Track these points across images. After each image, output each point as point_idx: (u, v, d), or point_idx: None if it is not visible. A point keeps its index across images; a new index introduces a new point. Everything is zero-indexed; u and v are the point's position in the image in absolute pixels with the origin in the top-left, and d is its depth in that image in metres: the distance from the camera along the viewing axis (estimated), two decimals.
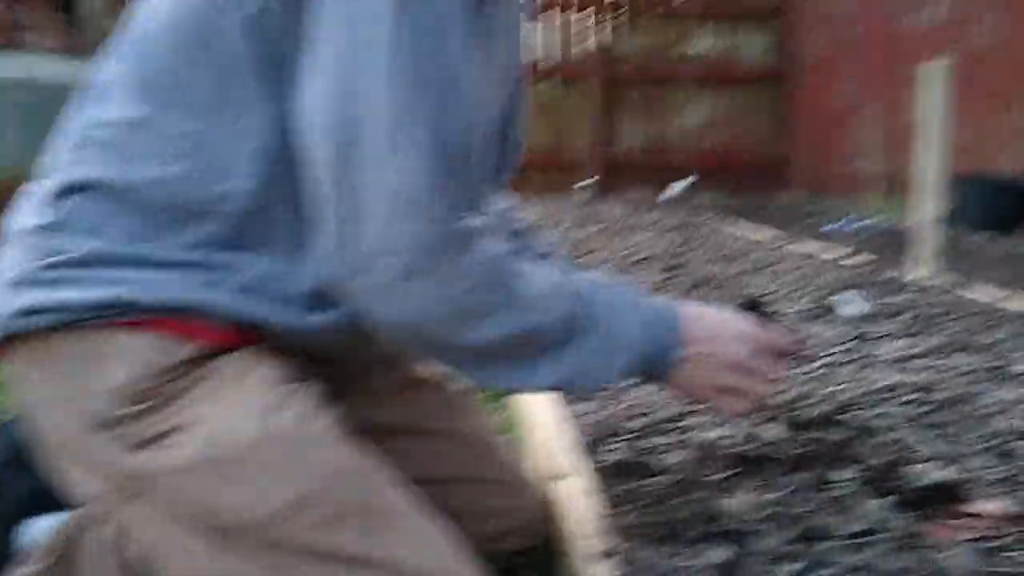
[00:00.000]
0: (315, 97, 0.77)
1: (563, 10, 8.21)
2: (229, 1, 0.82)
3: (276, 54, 0.81)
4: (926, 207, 3.43)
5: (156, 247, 0.85)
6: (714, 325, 0.97)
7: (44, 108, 2.17)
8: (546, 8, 8.16)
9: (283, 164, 0.83)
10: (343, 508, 0.86)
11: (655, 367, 0.94)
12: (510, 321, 0.83)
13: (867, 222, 6.04)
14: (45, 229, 0.86)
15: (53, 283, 0.83)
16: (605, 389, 1.02)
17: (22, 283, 0.85)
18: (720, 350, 0.96)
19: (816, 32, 8.05)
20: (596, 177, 7.45)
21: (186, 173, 0.84)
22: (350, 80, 0.75)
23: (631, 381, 1.01)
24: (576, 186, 7.13)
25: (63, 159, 0.89)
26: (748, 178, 8.41)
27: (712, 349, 0.95)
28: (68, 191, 0.86)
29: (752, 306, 1.10)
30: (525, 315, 0.84)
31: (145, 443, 0.85)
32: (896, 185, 6.90)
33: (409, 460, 1.10)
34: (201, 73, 0.83)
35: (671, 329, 0.94)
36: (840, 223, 5.89)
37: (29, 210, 0.89)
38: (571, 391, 1.05)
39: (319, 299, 0.87)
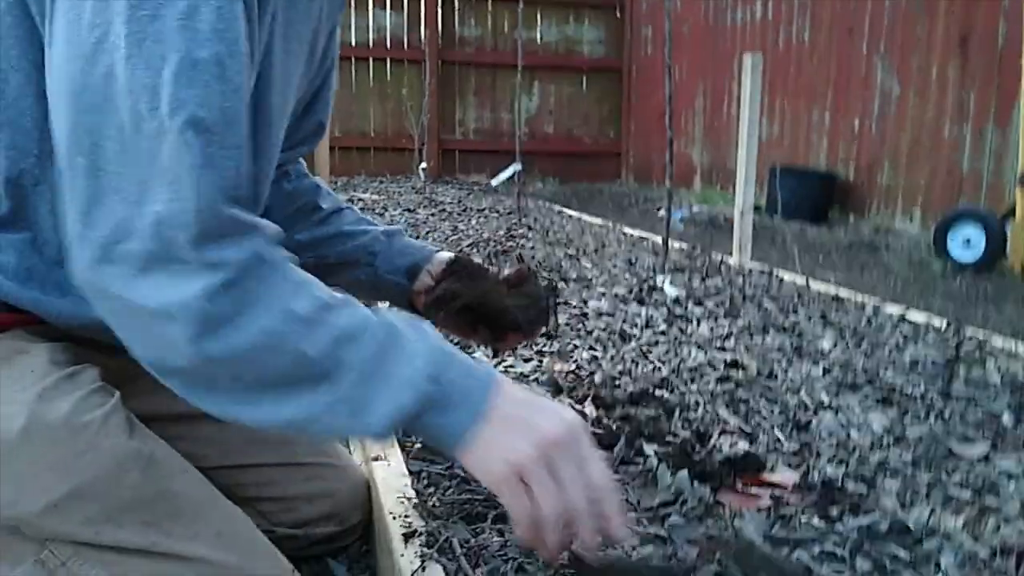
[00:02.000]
0: (60, 72, 0.69)
1: None
2: None
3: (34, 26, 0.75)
4: (744, 197, 3.60)
5: None
6: (526, 397, 0.79)
7: None
8: None
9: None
10: (124, 500, 0.81)
11: (440, 418, 0.75)
12: (263, 330, 0.69)
13: (693, 209, 6.31)
14: None
15: None
16: (369, 435, 0.74)
17: None
18: (525, 420, 0.76)
19: (648, 26, 8.31)
20: (428, 164, 7.44)
21: None
22: (89, 55, 0.67)
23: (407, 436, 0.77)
24: (419, 167, 7.08)
25: None
26: (582, 166, 8.62)
27: (515, 415, 0.76)
28: None
29: (528, 274, 1.11)
30: (285, 328, 0.70)
31: None
32: (718, 175, 7.25)
33: (212, 446, 1.05)
34: None
35: (474, 384, 0.76)
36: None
37: None
38: (328, 431, 0.75)
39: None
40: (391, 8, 8.15)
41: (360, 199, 5.80)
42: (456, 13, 8.31)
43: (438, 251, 1.24)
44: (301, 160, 1.27)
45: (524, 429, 0.75)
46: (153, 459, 0.85)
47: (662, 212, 5.76)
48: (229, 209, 0.69)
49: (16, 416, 0.78)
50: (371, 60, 8.13)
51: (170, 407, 0.99)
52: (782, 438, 1.46)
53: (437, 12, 8.21)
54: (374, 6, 8.12)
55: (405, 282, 1.20)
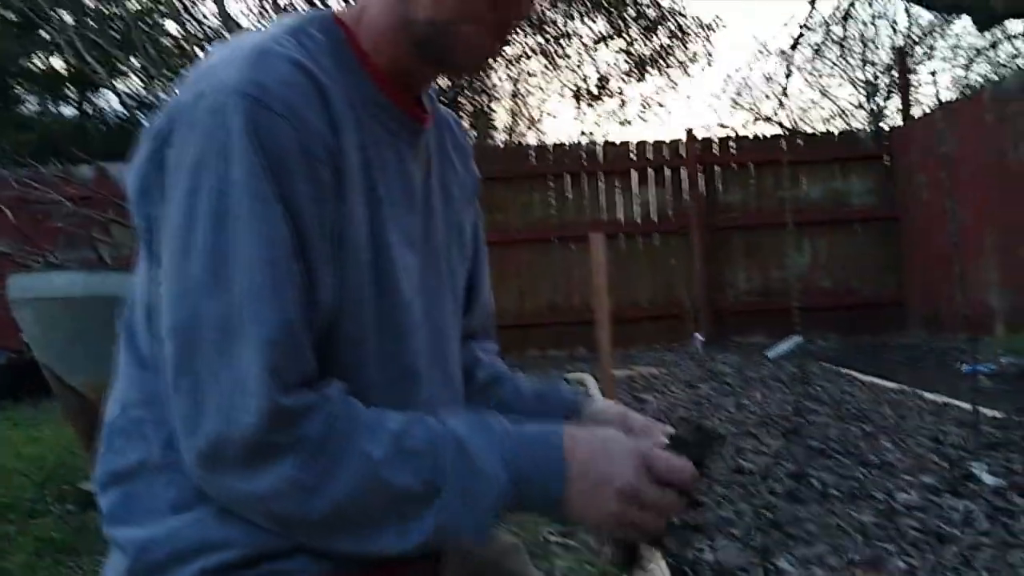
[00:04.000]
0: (164, 303, 0.83)
1: (661, 167, 8.44)
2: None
3: None
4: None
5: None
6: (599, 450, 0.87)
7: None
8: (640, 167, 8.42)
9: None
10: None
11: (535, 500, 0.86)
12: (353, 480, 0.82)
13: (1001, 360, 5.77)
14: None
15: None
16: (483, 534, 0.86)
17: None
18: (607, 478, 0.85)
19: (923, 171, 8.00)
20: (702, 334, 7.42)
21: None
22: (180, 289, 0.81)
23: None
24: (694, 335, 7.11)
25: None
26: (863, 319, 8.25)
27: (598, 477, 0.86)
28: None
29: (699, 433, 0.99)
30: (372, 471, 0.82)
31: None
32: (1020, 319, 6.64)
33: None
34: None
35: (547, 458, 0.86)
36: (972, 365, 5.67)
37: None
38: (448, 544, 0.90)
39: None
40: (656, 184, 8.47)
41: (640, 372, 5.88)
42: (718, 180, 8.48)
43: (589, 401, 1.16)
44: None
45: (607, 484, 0.85)
46: None
47: (968, 368, 5.34)
48: (295, 397, 0.81)
49: None
50: (640, 234, 8.43)
51: None
52: None
53: (700, 182, 8.42)
54: (640, 184, 8.48)
55: None
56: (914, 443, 3.07)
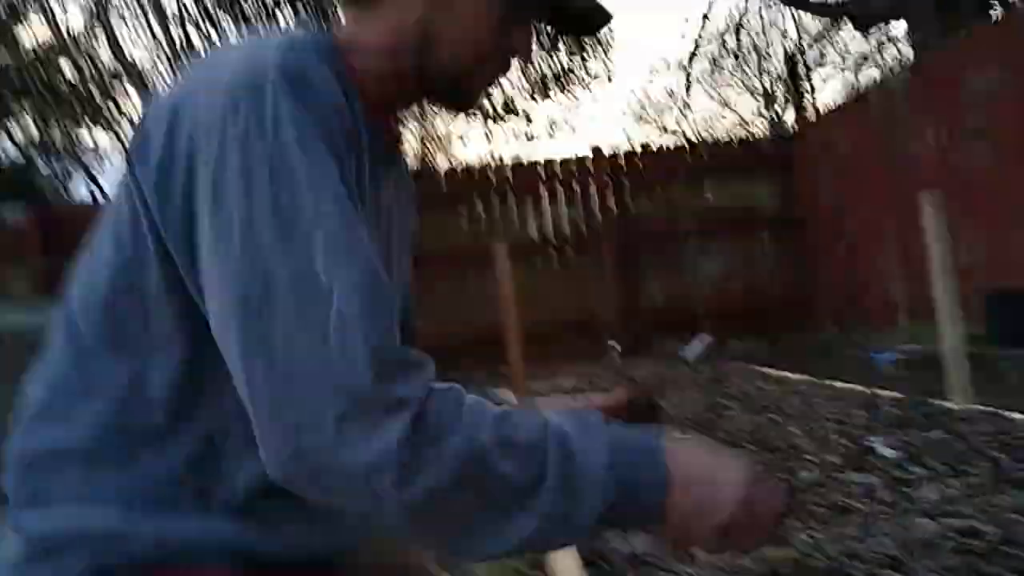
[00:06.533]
0: (222, 284, 0.78)
1: (571, 183, 8.55)
2: (145, 257, 0.85)
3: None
4: (951, 334, 3.43)
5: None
6: (703, 467, 0.85)
7: None
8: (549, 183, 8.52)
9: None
10: None
11: (636, 507, 0.82)
12: (460, 457, 0.75)
13: (904, 348, 5.98)
14: None
15: None
16: (578, 539, 0.82)
17: None
18: (709, 493, 0.83)
19: (822, 174, 8.27)
20: (618, 341, 7.51)
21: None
22: (247, 260, 0.76)
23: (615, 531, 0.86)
24: (610, 346, 7.17)
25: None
26: (776, 320, 8.45)
27: (700, 494, 0.82)
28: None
29: (648, 405, 1.08)
30: (479, 453, 0.76)
31: None
32: (926, 309, 6.89)
33: None
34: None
35: (651, 464, 0.82)
36: (875, 354, 5.86)
37: None
38: (545, 547, 0.83)
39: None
40: (567, 201, 8.56)
41: (560, 385, 5.91)
42: (627, 193, 8.62)
43: None
44: None
45: (713, 495, 0.82)
46: None
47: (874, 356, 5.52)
48: (395, 352, 0.76)
49: None
50: (551, 251, 8.49)
51: None
52: None
53: (608, 197, 8.54)
54: (550, 201, 8.56)
55: None
56: (819, 427, 3.14)
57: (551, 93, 12.24)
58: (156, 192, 0.82)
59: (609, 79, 14.95)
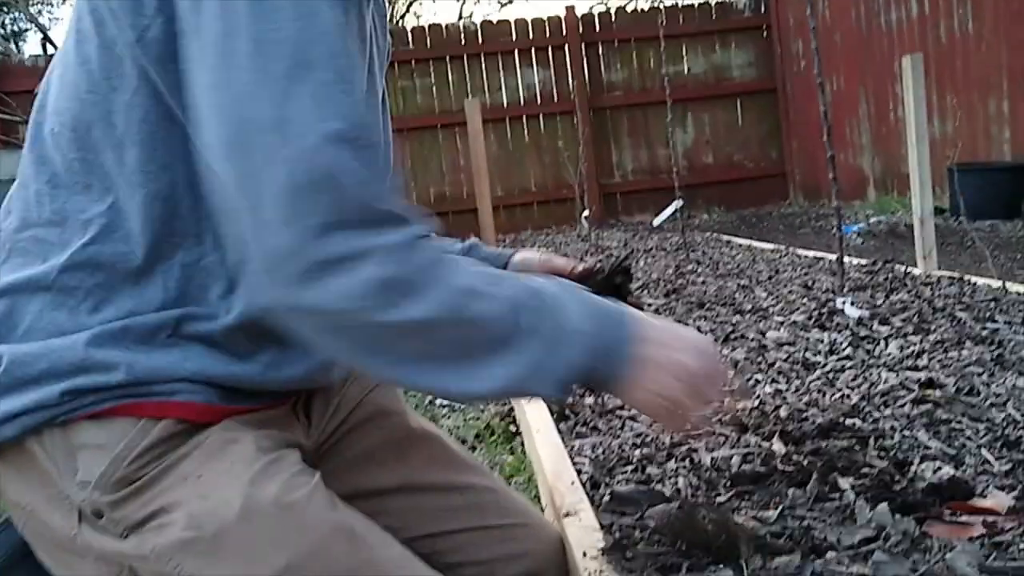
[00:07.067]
0: (208, 112, 0.76)
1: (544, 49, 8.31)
2: (121, 80, 0.82)
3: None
4: (921, 203, 3.43)
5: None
6: (664, 332, 0.89)
7: None
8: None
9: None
10: (335, 570, 0.86)
11: (604, 367, 0.85)
12: (440, 300, 0.76)
13: (871, 220, 6.03)
14: None
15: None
16: (550, 394, 0.84)
17: None
18: (670, 358, 0.87)
19: (798, 41, 8.10)
20: (590, 209, 7.47)
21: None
22: (227, 92, 0.75)
23: (576, 390, 0.90)
24: (582, 215, 7.14)
25: None
26: (747, 191, 8.44)
27: (661, 356, 0.86)
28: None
29: (620, 270, 1.11)
30: (459, 298, 0.78)
31: (135, 527, 0.86)
32: (893, 182, 6.91)
33: (407, 518, 1.10)
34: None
35: (621, 326, 0.86)
36: (845, 226, 5.89)
37: None
38: (519, 394, 0.88)
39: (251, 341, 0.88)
40: (538, 65, 8.34)
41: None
42: (601, 59, 8.41)
43: (514, 252, 1.24)
44: None
45: (670, 367, 0.86)
46: (356, 531, 0.90)
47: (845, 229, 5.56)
48: (382, 201, 0.76)
49: (233, 500, 0.85)
50: (524, 117, 8.34)
51: (364, 484, 1.05)
52: (991, 459, 1.38)
53: (583, 61, 8.34)
54: (521, 65, 8.34)
55: None
56: (786, 291, 3.16)
57: None
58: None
59: None
